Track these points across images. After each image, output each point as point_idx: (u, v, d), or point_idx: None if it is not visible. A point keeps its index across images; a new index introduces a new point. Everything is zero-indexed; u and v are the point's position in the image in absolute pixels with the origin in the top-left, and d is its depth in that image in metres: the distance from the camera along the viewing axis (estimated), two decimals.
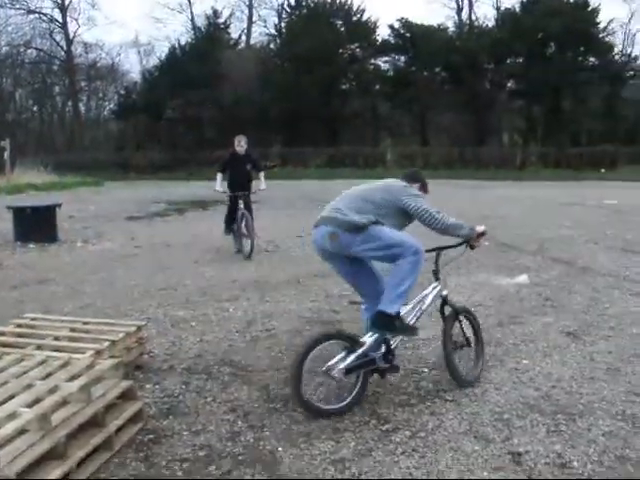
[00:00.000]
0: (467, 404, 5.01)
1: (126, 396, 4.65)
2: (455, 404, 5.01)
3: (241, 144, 11.89)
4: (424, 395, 5.20)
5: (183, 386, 5.44)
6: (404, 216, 5.23)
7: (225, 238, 12.20)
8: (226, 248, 12.06)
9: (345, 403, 4.90)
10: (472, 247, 5.53)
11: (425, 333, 6.77)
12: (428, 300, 5.50)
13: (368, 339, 5.01)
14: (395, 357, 5.23)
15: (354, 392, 4.95)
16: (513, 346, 6.43)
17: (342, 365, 4.79)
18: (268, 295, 8.52)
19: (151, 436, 4.54)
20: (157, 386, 5.44)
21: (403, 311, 5.16)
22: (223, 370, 5.81)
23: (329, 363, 4.77)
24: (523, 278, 9.22)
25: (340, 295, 8.47)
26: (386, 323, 4.98)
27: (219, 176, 11.82)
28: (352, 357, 4.86)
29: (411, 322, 5.28)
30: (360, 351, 4.91)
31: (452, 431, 4.56)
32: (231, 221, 12.01)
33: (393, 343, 5.19)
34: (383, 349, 5.12)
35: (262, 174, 12.19)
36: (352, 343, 4.94)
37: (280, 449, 4.33)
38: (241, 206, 11.66)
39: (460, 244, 5.53)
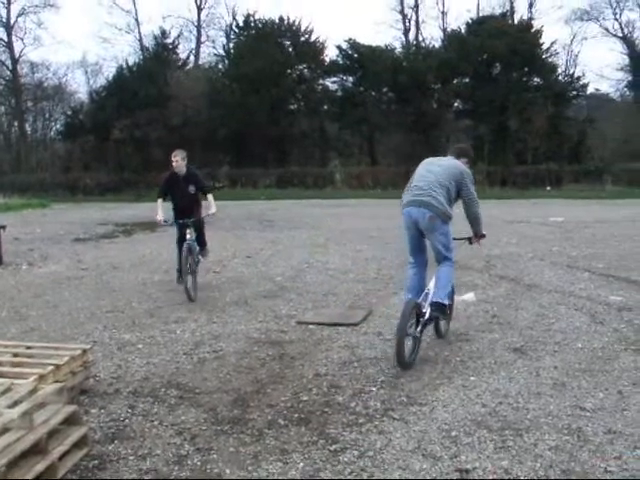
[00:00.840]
0: (415, 422, 5.01)
1: (70, 421, 4.58)
2: (403, 422, 5.01)
3: (177, 160, 9.96)
4: (372, 414, 5.19)
5: (129, 410, 5.37)
6: (455, 197, 6.86)
7: (170, 260, 12.06)
8: (174, 270, 11.94)
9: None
10: (471, 243, 7.38)
11: (373, 352, 6.80)
12: None
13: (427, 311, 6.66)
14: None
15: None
16: (461, 363, 6.46)
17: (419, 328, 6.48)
18: (216, 316, 8.47)
19: (96, 462, 4.47)
20: (102, 410, 5.36)
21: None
22: (170, 393, 5.75)
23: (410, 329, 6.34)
24: (470, 296, 9.29)
25: (288, 315, 8.48)
26: (441, 310, 6.78)
27: (159, 202, 10.08)
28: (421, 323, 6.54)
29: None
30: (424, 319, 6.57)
31: (400, 449, 4.56)
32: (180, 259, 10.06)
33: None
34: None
35: (210, 196, 10.35)
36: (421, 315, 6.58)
37: (227, 472, 4.30)
38: (188, 236, 9.93)
39: (467, 238, 7.31)
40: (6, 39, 56.24)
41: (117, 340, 7.40)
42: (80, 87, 72.53)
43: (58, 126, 58.19)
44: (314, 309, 8.86)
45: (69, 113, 54.61)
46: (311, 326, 7.89)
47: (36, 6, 56.35)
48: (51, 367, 5.30)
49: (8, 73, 57.04)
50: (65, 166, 50.13)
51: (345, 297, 9.59)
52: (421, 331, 6.54)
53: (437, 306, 6.70)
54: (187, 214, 10.07)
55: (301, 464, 4.37)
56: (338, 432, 4.86)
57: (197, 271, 10.11)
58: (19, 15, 56.45)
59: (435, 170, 6.86)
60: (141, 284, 10.66)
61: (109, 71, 55.35)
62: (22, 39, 57.04)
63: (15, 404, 4.33)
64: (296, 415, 5.21)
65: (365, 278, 11.02)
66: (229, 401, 5.51)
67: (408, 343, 6.30)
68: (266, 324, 8.06)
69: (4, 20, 55.91)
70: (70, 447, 4.41)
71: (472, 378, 6.01)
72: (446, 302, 6.83)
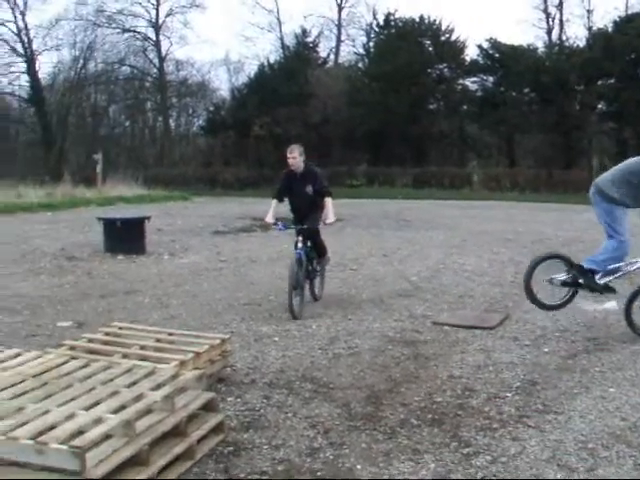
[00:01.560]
0: (550, 431, 4.89)
1: (208, 407, 4.71)
2: (538, 431, 4.90)
3: (294, 156, 8.72)
4: (506, 420, 5.11)
5: (264, 400, 5.47)
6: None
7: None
8: None
9: (556, 303, 7.55)
10: None
11: (508, 357, 6.68)
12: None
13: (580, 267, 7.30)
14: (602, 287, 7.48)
15: (564, 299, 7.52)
16: (600, 373, 6.26)
17: (561, 278, 7.35)
18: (351, 313, 8.51)
19: (231, 448, 4.57)
20: (239, 399, 5.48)
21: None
22: (304, 386, 5.82)
23: (552, 275, 7.37)
24: (612, 304, 8.96)
25: (423, 315, 8.42)
26: (582, 273, 7.29)
27: (273, 203, 9.00)
28: (568, 276, 7.34)
29: (601, 282, 7.41)
30: (572, 273, 7.31)
31: (534, 458, 4.46)
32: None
33: (600, 278, 7.36)
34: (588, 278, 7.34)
35: (329, 200, 8.79)
36: (570, 266, 7.34)
37: (359, 467, 4.32)
38: (299, 245, 8.64)
39: None
40: (154, 38, 58.44)
41: (254, 332, 7.56)
42: (222, 84, 74.41)
43: (200, 122, 59.85)
44: (449, 310, 8.77)
45: (211, 109, 56.04)
46: (446, 327, 7.82)
47: (183, 7, 58.14)
48: (191, 354, 5.46)
49: (155, 71, 59.24)
50: (206, 161, 51.42)
51: (481, 300, 9.46)
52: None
53: (579, 268, 7.36)
54: (303, 218, 8.84)
55: (432, 465, 4.35)
56: (471, 435, 4.81)
57: (314, 282, 9.21)
58: (167, 15, 58.44)
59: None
60: (278, 278, 10.79)
61: (251, 69, 56.44)
62: (169, 38, 59.09)
63: (158, 387, 4.50)
64: (429, 416, 5.19)
65: (501, 281, 10.82)
66: (362, 398, 5.54)
67: None
68: (401, 323, 8.04)
69: (153, 20, 58.09)
70: (207, 432, 4.53)
71: (611, 390, 5.81)
72: (588, 267, 7.33)
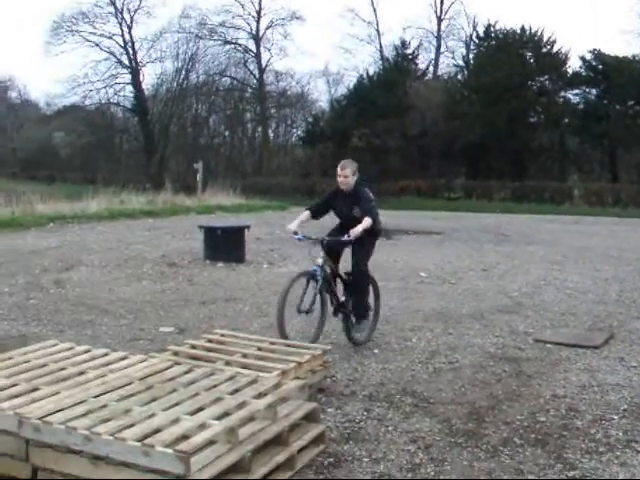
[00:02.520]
0: None
1: (310, 418, 4.70)
2: None
3: (346, 174, 7.43)
4: (613, 444, 4.94)
5: (364, 413, 5.44)
6: None
7: (410, 267, 12.12)
8: (413, 278, 12.01)
9: None
10: None
11: (615, 378, 6.49)
12: None
13: None
14: None
15: None
16: None
17: None
18: (451, 327, 8.40)
19: (331, 459, 4.56)
20: (339, 410, 5.47)
21: None
22: (405, 400, 5.77)
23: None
24: None
25: (525, 332, 8.25)
26: None
27: (303, 215, 7.90)
28: None
29: None
30: None
31: None
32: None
33: None
34: None
35: (365, 220, 7.21)
36: None
37: None
38: (319, 261, 7.34)
39: None
40: (255, 50, 59.44)
41: (350, 343, 7.53)
42: (321, 95, 75.03)
43: (299, 132, 60.49)
44: (552, 328, 8.57)
45: (310, 120, 56.56)
46: (549, 345, 7.65)
47: (283, 19, 58.94)
48: (293, 364, 5.48)
49: (255, 82, 60.22)
50: (304, 171, 51.84)
51: (584, 318, 9.21)
52: None
53: None
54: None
55: None
56: (576, 458, 4.67)
57: (350, 321, 7.56)
58: (267, 28, 59.38)
59: None
60: None
61: (349, 80, 56.71)
62: (269, 50, 59.89)
63: (260, 396, 4.52)
64: (532, 435, 5.07)
65: (605, 299, 10.52)
66: (464, 414, 5.46)
67: None
68: (502, 339, 7.90)
69: (253, 33, 59.11)
70: (308, 442, 4.53)
71: None
72: None
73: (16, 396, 4.50)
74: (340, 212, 7.74)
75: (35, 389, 4.65)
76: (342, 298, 7.56)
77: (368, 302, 7.65)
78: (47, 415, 4.15)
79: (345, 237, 7.21)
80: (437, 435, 5.02)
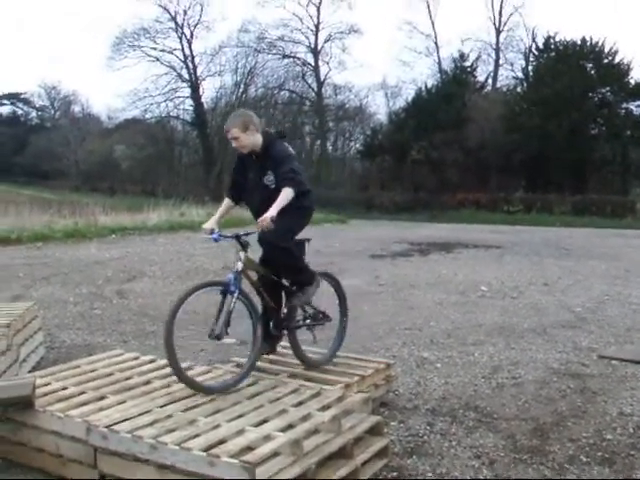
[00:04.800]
0: None
1: (373, 431, 4.69)
2: None
3: (232, 135, 5.56)
4: None
5: (427, 427, 5.40)
6: None
7: (470, 281, 11.96)
8: (473, 292, 11.91)
9: None
10: None
11: None
12: None
13: None
14: None
15: None
16: None
17: None
18: (514, 342, 8.29)
19: (395, 474, 4.55)
20: (402, 424, 5.44)
21: None
22: (468, 415, 5.71)
23: None
24: None
25: (589, 348, 8.10)
26: None
27: (224, 204, 6.09)
28: None
29: None
30: None
31: None
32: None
33: None
34: None
35: (285, 191, 5.32)
36: None
37: None
38: (238, 266, 5.41)
39: None
40: (313, 64, 59.85)
41: (416, 357, 7.49)
42: (380, 108, 74.90)
43: (357, 145, 60.61)
44: (617, 344, 8.41)
45: (368, 133, 56.64)
46: (614, 361, 7.49)
47: (341, 32, 59.28)
48: (357, 377, 5.49)
49: (313, 95, 60.57)
50: (362, 184, 51.87)
51: None
52: None
53: None
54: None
55: None
56: None
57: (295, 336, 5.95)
58: (326, 41, 59.82)
59: None
60: (437, 304, 10.68)
61: (408, 93, 56.80)
62: (327, 63, 60.28)
63: (324, 408, 4.53)
64: (599, 454, 4.97)
65: None
66: (528, 430, 5.38)
67: None
68: (566, 355, 7.76)
69: (312, 46, 59.54)
70: (372, 456, 4.51)
71: None
72: None
73: (84, 404, 4.60)
74: (249, 184, 5.73)
75: (102, 397, 4.74)
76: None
77: (301, 267, 5.87)
78: (114, 423, 4.23)
79: (257, 229, 5.34)
80: (501, 451, 4.95)
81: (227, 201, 6.00)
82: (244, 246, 5.46)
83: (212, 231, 5.67)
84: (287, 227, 5.51)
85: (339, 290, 6.43)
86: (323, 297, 6.41)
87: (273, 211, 5.18)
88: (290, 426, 4.23)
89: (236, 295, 5.28)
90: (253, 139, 5.56)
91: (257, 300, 5.66)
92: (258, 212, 5.48)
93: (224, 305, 5.29)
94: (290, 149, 5.67)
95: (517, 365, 7.26)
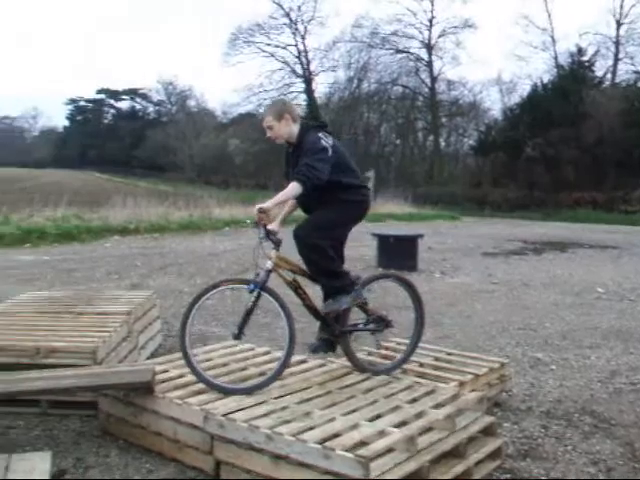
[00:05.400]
0: None
1: (487, 431, 4.64)
2: None
3: (267, 123, 5.37)
4: None
5: (542, 430, 5.31)
6: None
7: (586, 282, 11.63)
8: (589, 293, 11.63)
9: None
10: None
11: None
12: None
13: None
14: None
15: None
16: None
17: None
18: (632, 347, 8.03)
19: (508, 476, 4.49)
20: (515, 426, 5.37)
21: None
22: (584, 419, 5.58)
23: None
24: None
25: None
26: None
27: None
28: None
29: None
30: None
31: None
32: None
33: None
34: None
35: (291, 185, 5.05)
36: None
37: None
38: (267, 265, 5.15)
39: None
40: (427, 59, 59.49)
41: (530, 358, 7.37)
42: (494, 104, 74.13)
43: (471, 141, 59.98)
44: None
45: (482, 129, 55.99)
46: None
47: (455, 27, 58.82)
48: (470, 376, 5.44)
49: (427, 90, 60.25)
50: (475, 181, 51.28)
51: None
52: None
53: None
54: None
55: None
56: None
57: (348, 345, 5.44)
58: (439, 36, 59.46)
59: None
60: (552, 304, 10.47)
61: (523, 89, 55.77)
62: (441, 58, 59.94)
63: (438, 406, 4.51)
64: None
65: None
66: None
67: None
68: None
69: (426, 41, 59.15)
70: (485, 456, 4.46)
71: None
72: None
73: (202, 392, 4.72)
74: (291, 177, 5.19)
75: None
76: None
77: (335, 270, 5.29)
78: (231, 412, 4.32)
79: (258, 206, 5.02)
80: (619, 459, 4.82)
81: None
82: (276, 243, 5.14)
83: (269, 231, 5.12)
84: (320, 222, 5.23)
85: (414, 295, 5.79)
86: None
87: (268, 202, 5.00)
88: (404, 422, 4.23)
89: (255, 294, 5.05)
90: (288, 129, 5.34)
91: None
92: (303, 207, 5.47)
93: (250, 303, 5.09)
94: (322, 141, 5.18)
95: (636, 371, 7.04)
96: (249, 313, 5.09)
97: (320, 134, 5.24)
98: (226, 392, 4.75)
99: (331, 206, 5.23)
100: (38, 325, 5.96)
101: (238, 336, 5.14)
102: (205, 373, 4.91)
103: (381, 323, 5.60)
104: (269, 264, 5.10)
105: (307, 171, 5.00)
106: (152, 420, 4.69)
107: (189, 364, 4.89)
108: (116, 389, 4.91)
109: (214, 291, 5.12)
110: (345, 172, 5.29)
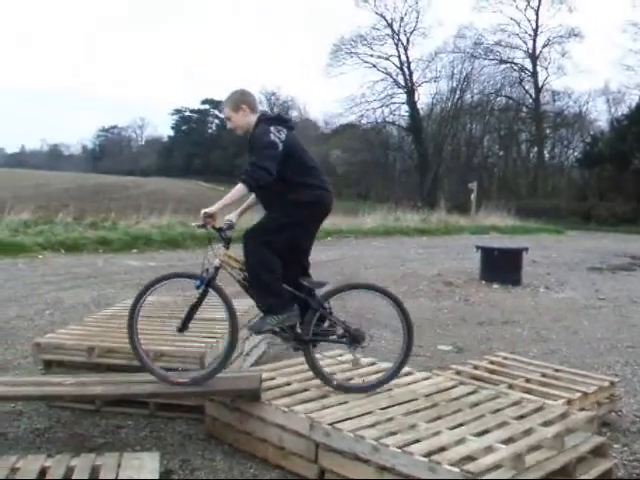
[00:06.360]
0: None
1: (597, 452, 4.51)
2: None
3: (226, 114, 5.28)
4: None
5: None
6: None
7: None
8: None
9: None
10: None
11: None
12: None
13: None
14: None
15: None
16: None
17: None
18: None
19: None
20: (625, 448, 5.21)
21: None
22: None
23: None
24: None
25: None
26: None
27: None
28: None
29: None
30: None
31: None
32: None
33: None
34: None
35: (237, 187, 4.87)
36: None
37: None
38: (215, 262, 5.05)
39: None
40: (531, 69, 58.53)
41: None
42: (600, 115, 72.16)
43: (576, 153, 58.67)
44: None
45: (588, 141, 54.63)
46: None
47: (561, 37, 57.58)
48: (579, 394, 5.33)
49: (531, 101, 59.28)
50: (580, 194, 50.12)
51: None
52: None
53: None
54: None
55: None
56: None
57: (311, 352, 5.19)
58: (544, 46, 58.34)
59: None
60: None
61: (631, 99, 54.13)
62: (546, 68, 58.74)
63: (547, 424, 4.42)
64: None
65: None
66: None
67: None
68: None
69: (530, 51, 58.18)
70: (595, 478, 4.35)
71: None
72: None
73: (308, 401, 4.75)
74: None
75: (324, 396, 4.87)
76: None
77: (269, 284, 5.01)
78: (337, 422, 4.33)
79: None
80: None
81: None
82: (226, 240, 5.05)
83: (225, 223, 5.11)
84: (266, 225, 5.08)
85: (402, 315, 5.27)
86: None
87: (213, 207, 4.85)
88: (511, 439, 4.16)
89: (200, 291, 5.00)
90: (247, 120, 5.16)
91: None
92: (263, 203, 5.29)
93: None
94: (272, 135, 4.92)
95: None
96: (194, 308, 5.04)
97: (271, 127, 4.99)
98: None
99: (280, 208, 5.05)
100: (146, 329, 6.09)
101: (181, 330, 5.09)
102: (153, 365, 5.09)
103: (347, 337, 5.23)
104: (217, 261, 5.03)
105: (252, 171, 4.79)
106: (258, 426, 4.75)
107: (135, 351, 5.04)
108: (223, 395, 5.00)
109: (164, 282, 5.08)
110: (299, 169, 5.04)
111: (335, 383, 5.08)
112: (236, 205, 5.26)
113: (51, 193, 44.72)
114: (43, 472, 3.86)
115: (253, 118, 5.15)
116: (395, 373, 5.23)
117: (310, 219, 5.13)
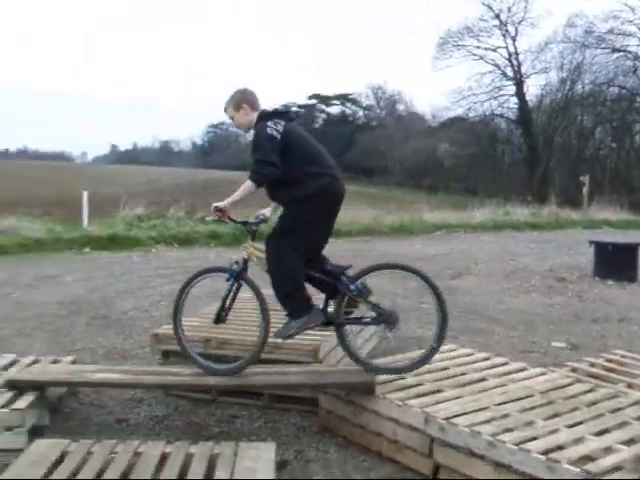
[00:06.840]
0: None
1: None
2: None
3: (229, 114, 5.46)
4: None
5: None
6: None
7: None
8: None
9: None
10: None
11: None
12: None
13: None
14: None
15: None
16: None
17: None
18: None
19: None
20: None
21: None
22: None
23: None
24: None
25: None
26: None
27: None
28: None
29: None
30: None
31: None
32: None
33: None
34: None
35: (245, 184, 5.05)
36: None
37: None
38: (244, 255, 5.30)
39: None
40: None
41: None
42: None
43: None
44: None
45: None
46: None
47: None
48: None
49: None
50: None
51: None
52: None
53: None
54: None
55: None
56: None
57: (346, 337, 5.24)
58: None
59: None
60: None
61: None
62: None
63: None
64: None
65: None
66: None
67: None
68: None
69: None
70: None
71: None
72: None
73: (422, 395, 4.76)
74: None
75: (439, 390, 4.86)
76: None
77: (287, 292, 5.11)
78: (452, 417, 4.32)
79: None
80: None
81: None
82: (251, 233, 5.29)
83: (257, 216, 5.49)
84: (281, 229, 5.14)
85: (435, 294, 5.21)
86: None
87: (224, 202, 5.08)
88: (632, 440, 4.06)
89: (230, 283, 5.21)
90: (248, 118, 5.30)
91: None
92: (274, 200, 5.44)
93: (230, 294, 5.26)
94: (268, 129, 5.01)
95: None
96: (225, 299, 5.24)
97: (269, 122, 5.07)
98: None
99: (288, 208, 5.18)
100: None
101: (216, 321, 5.30)
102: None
103: (379, 319, 5.20)
104: (244, 254, 5.23)
105: (259, 168, 4.92)
106: (372, 420, 4.78)
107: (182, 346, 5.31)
108: (338, 388, 5.05)
109: (198, 279, 5.30)
110: (299, 159, 5.05)
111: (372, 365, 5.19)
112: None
113: (162, 189, 45.90)
114: (164, 457, 4.00)
115: (254, 116, 5.27)
116: (427, 359, 5.17)
117: (317, 214, 5.11)
